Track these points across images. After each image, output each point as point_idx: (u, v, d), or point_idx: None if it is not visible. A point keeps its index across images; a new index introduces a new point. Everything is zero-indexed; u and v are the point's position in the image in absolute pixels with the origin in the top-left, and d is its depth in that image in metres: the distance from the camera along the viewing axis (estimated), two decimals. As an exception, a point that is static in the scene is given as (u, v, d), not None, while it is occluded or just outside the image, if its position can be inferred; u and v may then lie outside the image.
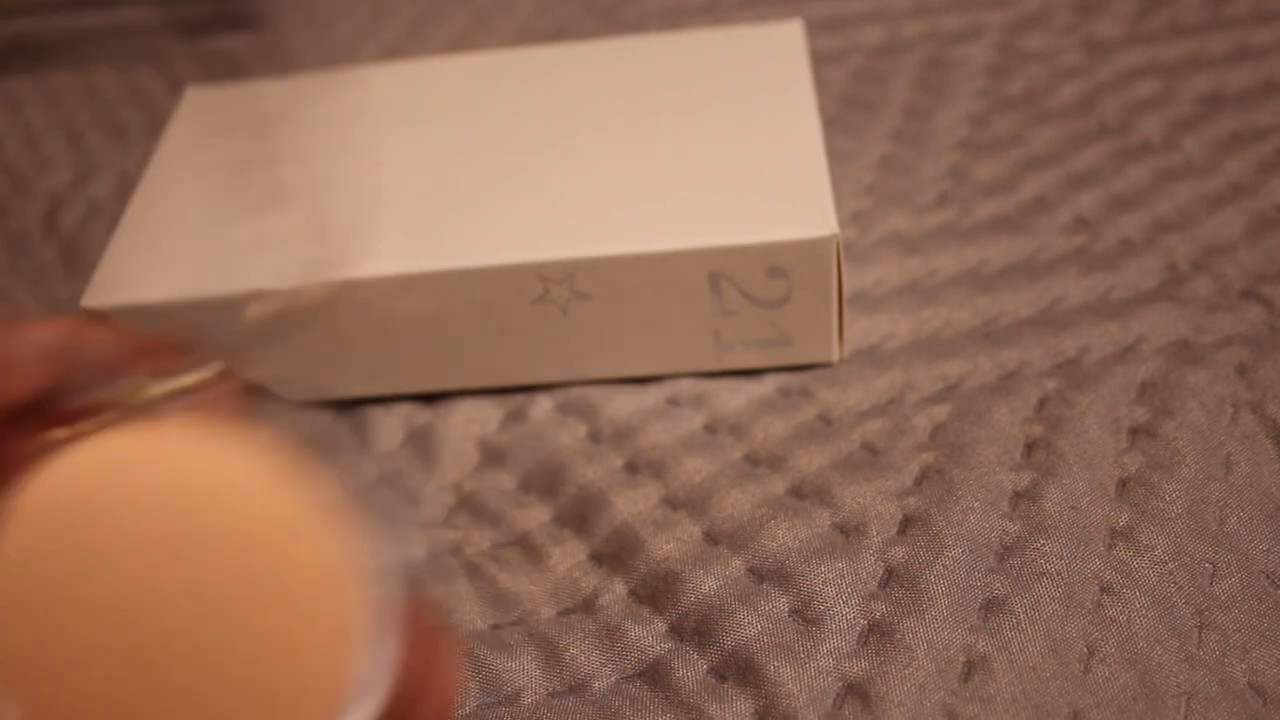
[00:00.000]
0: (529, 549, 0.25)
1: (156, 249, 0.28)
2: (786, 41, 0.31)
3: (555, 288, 0.26)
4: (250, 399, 0.16)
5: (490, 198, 0.27)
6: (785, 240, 0.25)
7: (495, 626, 0.23)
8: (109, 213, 0.35)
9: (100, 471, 0.15)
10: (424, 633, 0.15)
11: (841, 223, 0.32)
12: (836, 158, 0.34)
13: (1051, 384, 0.26)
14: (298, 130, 0.31)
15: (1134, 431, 0.25)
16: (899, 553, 0.23)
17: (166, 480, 0.15)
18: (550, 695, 0.22)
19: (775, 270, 0.26)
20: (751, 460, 0.26)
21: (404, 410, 0.28)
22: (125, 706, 0.14)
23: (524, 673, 0.22)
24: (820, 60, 0.38)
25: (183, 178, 0.30)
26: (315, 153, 0.30)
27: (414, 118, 0.30)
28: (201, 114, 0.32)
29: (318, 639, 0.15)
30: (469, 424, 0.28)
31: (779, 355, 0.27)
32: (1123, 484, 0.24)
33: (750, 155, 0.27)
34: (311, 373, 0.28)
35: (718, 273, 0.26)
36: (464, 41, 0.41)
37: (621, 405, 0.27)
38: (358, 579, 0.15)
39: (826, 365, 0.28)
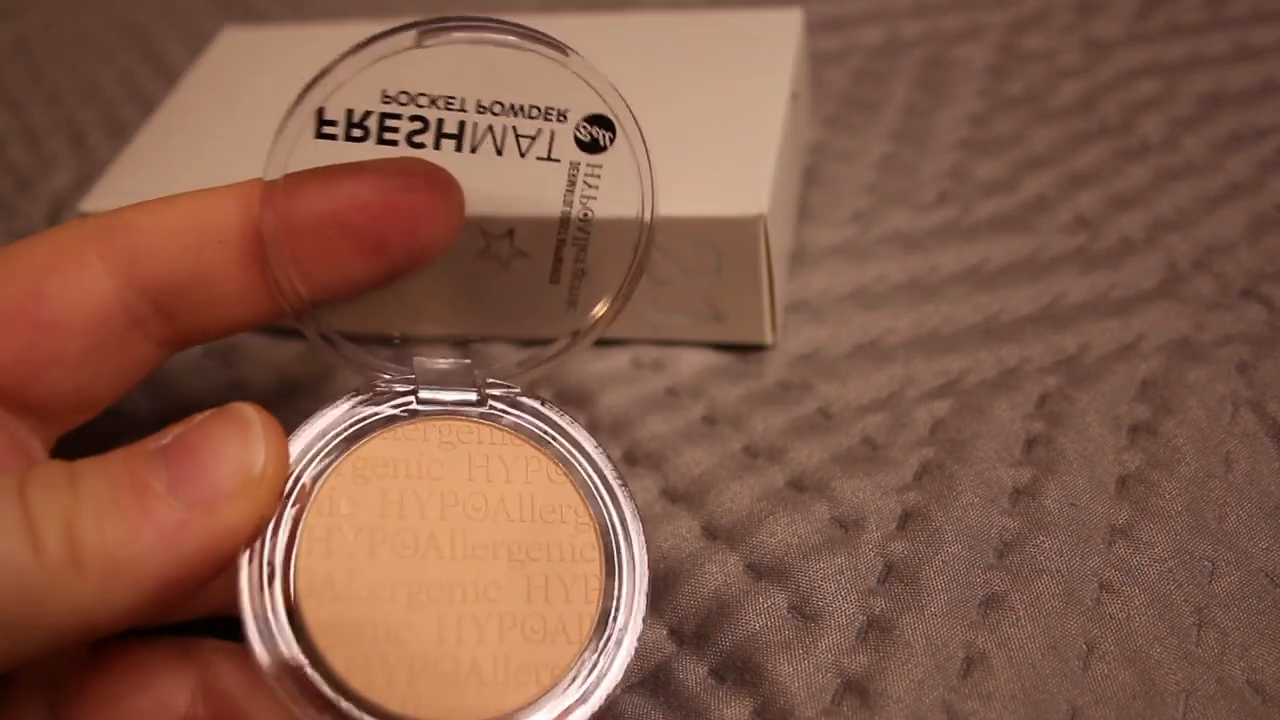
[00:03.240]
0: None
1: (165, 164, 0.28)
2: (781, 28, 0.31)
3: (496, 243, 0.26)
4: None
5: (452, 154, 0.28)
6: (713, 216, 0.26)
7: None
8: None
9: (410, 450, 0.20)
10: None
11: (842, 221, 0.32)
12: (837, 157, 0.34)
13: (1052, 381, 0.26)
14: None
15: (1134, 429, 0.25)
16: (898, 548, 0.23)
17: (462, 459, 0.20)
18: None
19: (705, 245, 0.26)
20: (751, 452, 0.26)
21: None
22: (429, 633, 0.18)
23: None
24: (820, 60, 0.38)
25: (203, 107, 0.31)
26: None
27: None
28: (233, 52, 0.33)
29: (575, 588, 0.20)
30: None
31: (711, 330, 0.28)
32: (1122, 481, 0.24)
33: (708, 133, 0.28)
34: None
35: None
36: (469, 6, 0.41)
37: (619, 395, 0.27)
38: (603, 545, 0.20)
39: (760, 347, 0.28)
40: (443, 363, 0.21)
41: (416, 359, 0.21)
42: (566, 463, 0.21)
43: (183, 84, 0.31)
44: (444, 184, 0.21)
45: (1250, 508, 0.24)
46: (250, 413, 0.18)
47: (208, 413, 0.18)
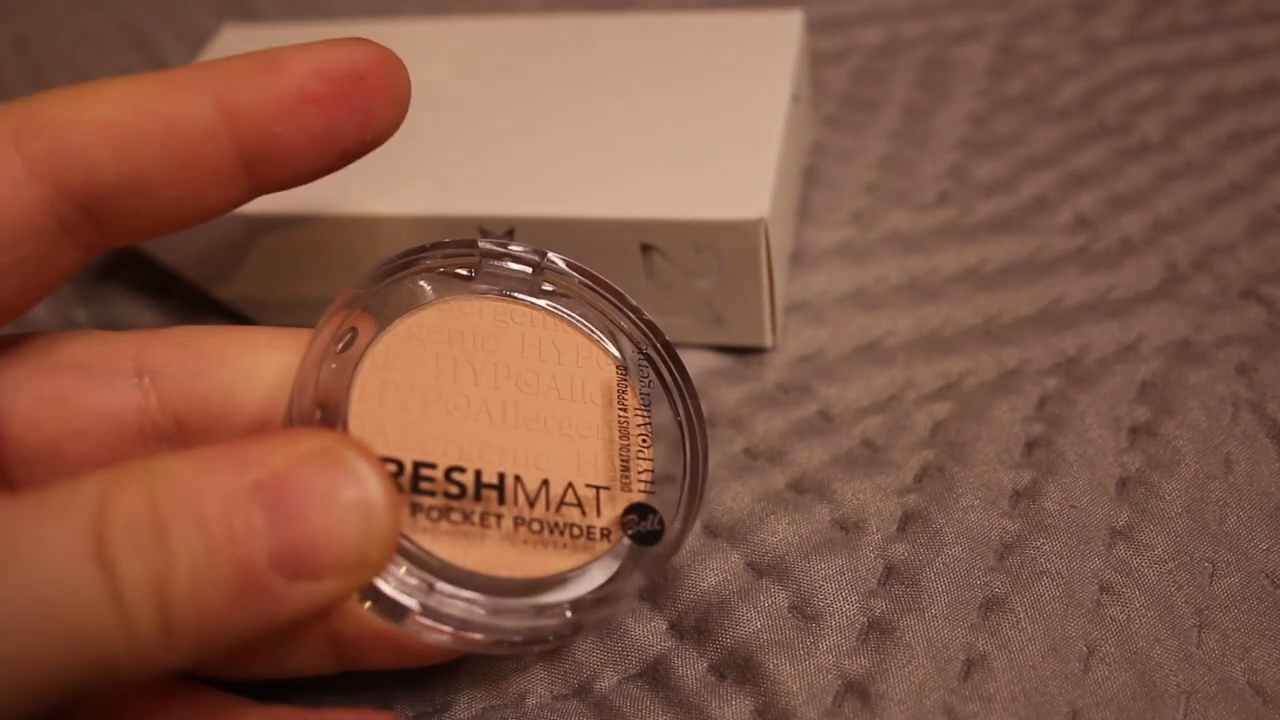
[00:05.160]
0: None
1: None
2: (782, 30, 0.31)
3: None
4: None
5: (453, 152, 0.28)
6: (713, 219, 0.26)
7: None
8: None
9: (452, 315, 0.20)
10: None
11: (842, 221, 0.32)
12: (837, 157, 0.34)
13: (1052, 382, 0.26)
14: None
15: (1134, 430, 0.25)
16: (899, 550, 0.23)
17: (497, 319, 0.21)
18: (554, 698, 0.22)
19: (704, 248, 0.26)
20: (751, 454, 0.26)
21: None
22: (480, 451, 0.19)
23: (528, 673, 0.22)
24: (820, 60, 0.38)
25: None
26: None
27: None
28: (233, 51, 0.33)
29: (630, 464, 0.20)
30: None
31: (711, 333, 0.28)
32: (1123, 483, 0.24)
33: (708, 136, 0.28)
34: (270, 308, 0.30)
35: (650, 245, 0.26)
36: (471, 6, 0.41)
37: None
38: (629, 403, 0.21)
39: (760, 350, 0.28)
40: (506, 242, 0.21)
41: (480, 240, 0.21)
42: (625, 354, 0.21)
43: None
44: (392, 65, 0.20)
45: (1250, 509, 0.24)
46: (364, 470, 0.16)
47: (308, 444, 0.16)
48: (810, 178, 0.33)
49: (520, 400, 0.20)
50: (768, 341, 0.28)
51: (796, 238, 0.31)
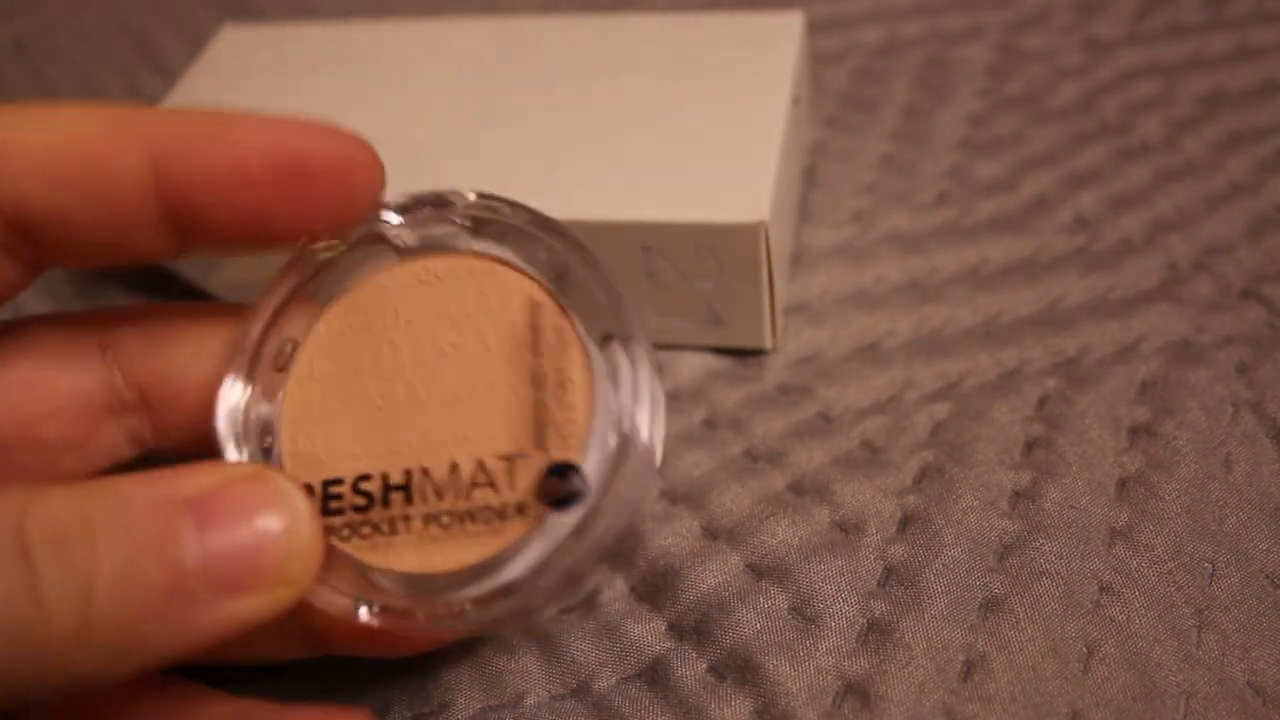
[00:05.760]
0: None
1: None
2: (782, 32, 0.31)
3: None
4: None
5: (452, 153, 0.28)
6: (713, 222, 0.26)
7: (494, 624, 0.23)
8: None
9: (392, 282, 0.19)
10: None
11: (841, 222, 0.32)
12: (836, 157, 0.34)
13: (1051, 383, 0.26)
14: (316, 76, 0.32)
15: (1134, 431, 0.25)
16: (898, 551, 0.23)
17: (429, 279, 0.19)
18: (552, 698, 0.22)
19: (705, 251, 0.26)
20: (751, 455, 0.26)
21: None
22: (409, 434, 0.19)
23: (526, 674, 0.22)
24: (820, 60, 0.38)
25: (202, 105, 0.31)
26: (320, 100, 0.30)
27: (395, 72, 0.31)
28: (232, 50, 0.33)
29: (553, 391, 0.18)
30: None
31: (711, 335, 0.28)
32: (1122, 483, 0.24)
33: (708, 138, 0.28)
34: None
35: (650, 247, 0.26)
36: (471, 6, 0.41)
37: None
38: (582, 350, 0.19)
39: (759, 352, 0.28)
40: (415, 195, 0.20)
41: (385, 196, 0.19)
42: (558, 278, 0.19)
43: (182, 82, 0.31)
44: (357, 160, 0.18)
45: (1250, 509, 0.24)
46: (290, 491, 0.17)
47: (236, 469, 0.17)
48: (810, 178, 0.33)
49: (440, 372, 0.19)
50: (768, 343, 0.28)
51: (796, 238, 0.31)
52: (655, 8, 0.41)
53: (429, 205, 0.20)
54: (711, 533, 0.24)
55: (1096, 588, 0.22)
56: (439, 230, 0.20)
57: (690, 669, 0.22)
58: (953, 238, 0.31)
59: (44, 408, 0.19)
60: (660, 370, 0.19)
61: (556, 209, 0.26)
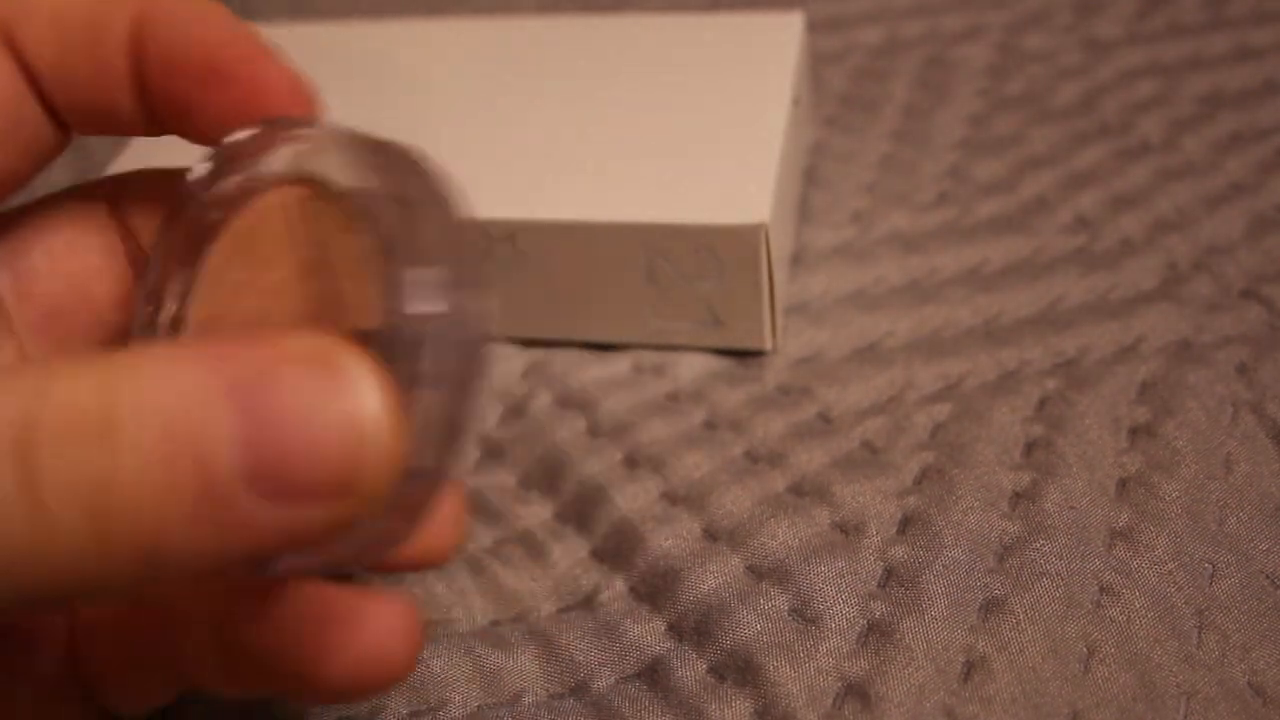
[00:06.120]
0: (531, 545, 0.25)
1: (164, 164, 0.29)
2: (782, 32, 0.31)
3: (499, 245, 0.26)
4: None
5: (458, 155, 0.28)
6: (714, 224, 0.26)
7: (495, 623, 0.23)
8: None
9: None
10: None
11: (841, 222, 0.32)
12: (836, 157, 0.34)
13: (1051, 383, 0.26)
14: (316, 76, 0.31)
15: (1134, 431, 0.25)
16: (898, 552, 0.23)
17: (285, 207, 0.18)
18: (551, 697, 0.22)
19: (705, 253, 0.26)
20: (751, 456, 0.26)
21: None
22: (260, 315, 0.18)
23: (524, 673, 0.22)
24: (820, 60, 0.38)
25: None
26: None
27: (395, 72, 0.32)
28: None
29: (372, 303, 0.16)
30: (468, 422, 0.28)
31: (711, 336, 0.28)
32: (1122, 484, 0.24)
33: (708, 139, 0.28)
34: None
35: (651, 249, 0.26)
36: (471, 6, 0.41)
37: (620, 400, 0.27)
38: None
39: (759, 353, 0.28)
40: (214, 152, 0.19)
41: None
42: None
43: None
44: (279, 89, 0.18)
45: (1251, 510, 0.24)
46: (363, 377, 0.13)
47: (299, 344, 0.13)
48: (810, 178, 0.33)
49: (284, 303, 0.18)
50: (768, 344, 0.28)
51: (796, 239, 0.31)
52: (655, 8, 0.41)
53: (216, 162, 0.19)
54: (712, 534, 0.24)
55: (1097, 588, 0.22)
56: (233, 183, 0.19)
57: (690, 669, 0.22)
58: (953, 238, 0.31)
59: (92, 263, 0.20)
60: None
61: (557, 210, 0.27)
